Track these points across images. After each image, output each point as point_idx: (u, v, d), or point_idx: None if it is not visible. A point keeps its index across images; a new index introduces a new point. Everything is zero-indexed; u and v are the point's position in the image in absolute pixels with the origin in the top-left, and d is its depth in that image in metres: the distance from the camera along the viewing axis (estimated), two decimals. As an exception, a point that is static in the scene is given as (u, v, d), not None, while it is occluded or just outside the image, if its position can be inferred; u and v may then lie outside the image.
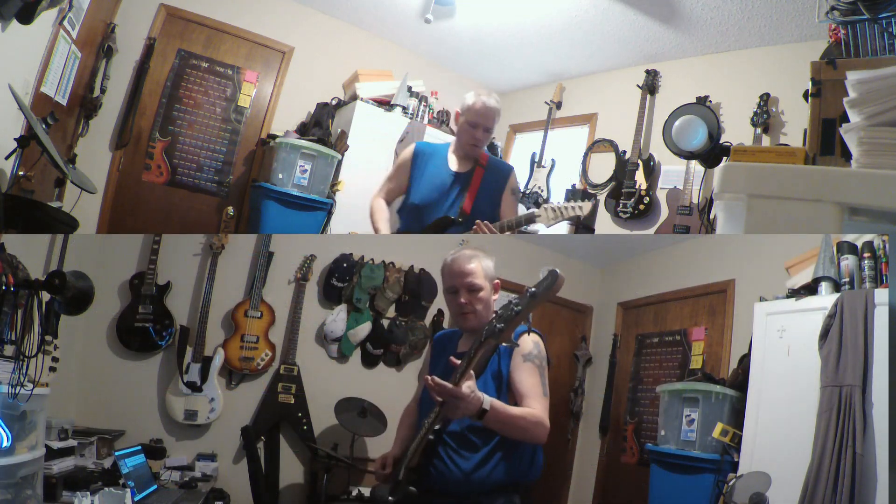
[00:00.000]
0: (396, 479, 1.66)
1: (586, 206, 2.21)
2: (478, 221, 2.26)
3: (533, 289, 1.27)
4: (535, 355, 1.66)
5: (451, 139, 2.60)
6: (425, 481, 1.61)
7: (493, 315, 1.34)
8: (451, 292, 1.75)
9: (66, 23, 2.81)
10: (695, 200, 3.75)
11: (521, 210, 4.50)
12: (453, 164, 2.49)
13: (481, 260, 1.75)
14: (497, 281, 1.79)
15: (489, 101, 2.39)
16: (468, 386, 1.41)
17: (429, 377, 1.41)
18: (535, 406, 1.57)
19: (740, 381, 2.63)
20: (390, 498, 1.62)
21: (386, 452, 1.79)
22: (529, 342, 1.65)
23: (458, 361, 1.40)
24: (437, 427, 1.58)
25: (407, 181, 2.52)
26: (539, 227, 2.43)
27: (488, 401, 1.46)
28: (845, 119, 1.52)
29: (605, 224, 4.31)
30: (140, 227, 4.00)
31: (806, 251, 2.67)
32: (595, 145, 4.60)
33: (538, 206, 4.63)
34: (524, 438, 1.57)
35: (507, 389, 1.63)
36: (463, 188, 2.43)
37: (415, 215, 2.47)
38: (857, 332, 2.01)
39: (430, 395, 1.44)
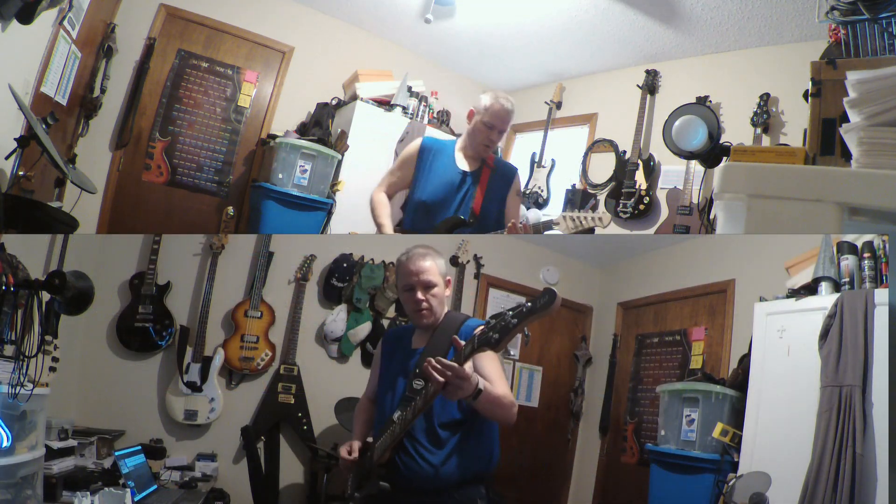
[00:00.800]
0: (364, 474, 1.69)
1: (606, 217, 2.21)
2: (513, 221, 2.27)
3: (529, 304, 1.28)
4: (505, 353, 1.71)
5: (459, 137, 2.59)
6: (393, 477, 1.64)
7: (485, 323, 1.35)
8: (408, 290, 1.77)
9: (66, 23, 2.81)
10: (695, 200, 3.75)
11: (522, 211, 4.50)
12: (461, 162, 2.49)
13: (435, 258, 1.79)
14: (448, 278, 1.84)
15: (506, 103, 2.41)
16: (468, 367, 1.45)
17: (432, 359, 1.42)
18: (503, 389, 1.62)
19: (740, 381, 2.63)
20: (356, 494, 1.66)
21: (349, 441, 1.82)
22: None
23: (463, 343, 1.41)
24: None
25: (412, 176, 2.51)
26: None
27: (481, 381, 1.50)
28: (845, 119, 1.52)
29: (605, 224, 4.30)
30: (140, 227, 4.00)
31: (806, 251, 2.67)
32: (595, 145, 4.60)
33: (538, 206, 4.67)
34: (501, 418, 1.61)
35: None
36: (472, 188, 2.44)
37: (422, 212, 2.46)
38: (857, 332, 2.01)
39: (429, 376, 1.43)
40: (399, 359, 1.82)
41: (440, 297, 1.78)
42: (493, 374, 1.63)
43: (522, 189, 4.73)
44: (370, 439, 1.74)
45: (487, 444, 1.71)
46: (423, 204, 2.45)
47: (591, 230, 2.23)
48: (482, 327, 1.36)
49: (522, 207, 4.58)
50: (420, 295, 1.74)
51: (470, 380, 1.43)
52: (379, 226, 2.50)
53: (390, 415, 1.65)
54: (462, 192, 2.43)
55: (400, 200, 2.62)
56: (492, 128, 2.41)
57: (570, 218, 2.24)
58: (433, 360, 1.41)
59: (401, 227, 2.53)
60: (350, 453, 1.77)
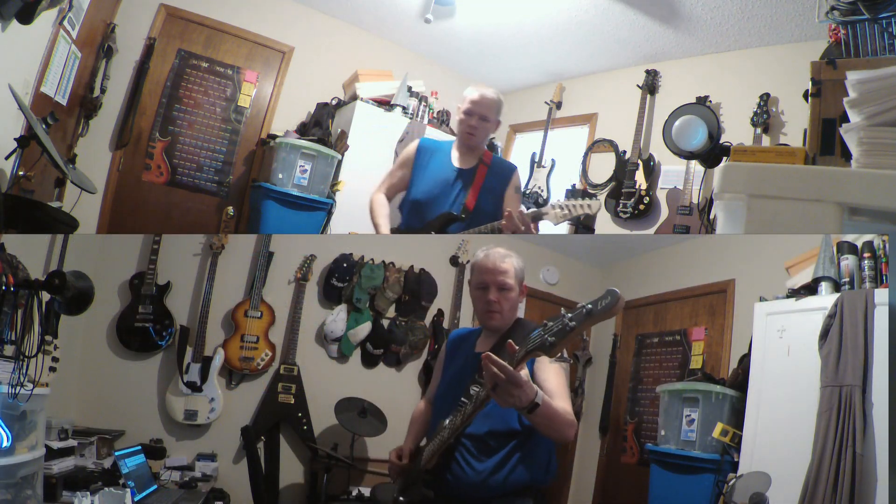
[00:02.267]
0: (410, 479, 1.64)
1: (595, 204, 2.18)
2: (509, 210, 2.20)
3: (590, 306, 1.16)
4: (563, 357, 1.64)
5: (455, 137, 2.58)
6: (439, 484, 1.59)
7: (541, 326, 1.25)
8: (481, 288, 1.72)
9: (66, 23, 2.81)
10: (695, 200, 3.75)
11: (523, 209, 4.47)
12: (456, 160, 2.47)
13: (514, 260, 1.75)
14: (525, 285, 1.77)
15: (486, 91, 2.39)
16: (526, 374, 1.34)
17: (490, 354, 1.30)
18: (564, 406, 1.52)
19: (740, 381, 2.63)
20: (401, 498, 1.60)
21: (400, 445, 1.76)
22: None
23: (517, 347, 1.29)
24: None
25: (409, 176, 2.50)
26: (547, 224, 2.40)
27: (540, 394, 1.38)
28: (845, 119, 1.52)
29: (605, 224, 4.31)
30: (140, 227, 4.00)
31: (806, 251, 2.67)
32: (595, 145, 4.59)
33: (538, 205, 4.66)
34: (557, 437, 1.51)
35: None
36: (466, 184, 2.40)
37: (416, 211, 2.44)
38: (857, 332, 2.01)
39: (488, 376, 1.30)
40: (460, 362, 1.76)
41: (513, 302, 1.72)
42: (555, 389, 1.54)
43: (522, 189, 4.74)
44: (424, 443, 1.68)
45: (544, 456, 1.62)
46: (418, 202, 2.43)
47: (587, 221, 2.20)
48: (538, 330, 1.25)
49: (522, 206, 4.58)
50: (493, 296, 1.69)
51: (523, 388, 1.30)
52: (376, 226, 2.48)
53: (443, 419, 1.58)
54: (456, 190, 2.40)
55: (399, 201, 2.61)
56: (470, 114, 2.39)
57: (559, 206, 2.21)
58: (490, 356, 1.29)
59: (398, 229, 2.52)
60: (400, 458, 1.70)
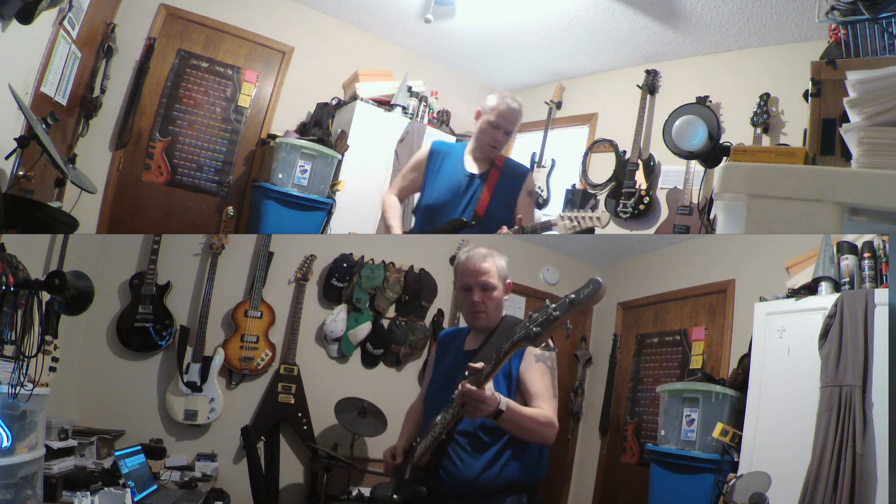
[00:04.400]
0: (403, 476, 1.65)
1: (604, 216, 2.18)
2: (504, 228, 2.25)
3: (573, 295, 1.23)
4: (547, 356, 1.67)
5: (468, 140, 2.56)
6: (433, 481, 1.60)
7: (527, 318, 1.32)
8: (465, 290, 1.74)
9: (66, 23, 2.81)
10: (695, 200, 3.75)
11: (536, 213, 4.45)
12: (469, 164, 2.45)
13: (495, 259, 1.76)
14: (509, 281, 1.79)
15: (513, 103, 2.37)
16: (489, 388, 1.41)
17: (465, 382, 1.41)
18: (545, 407, 1.58)
19: (740, 381, 2.63)
20: (395, 496, 1.61)
21: (394, 444, 1.79)
22: None
23: (480, 366, 1.38)
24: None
25: (422, 180, 2.50)
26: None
27: (504, 401, 1.46)
28: (845, 119, 1.52)
29: (605, 224, 4.30)
30: (140, 227, 4.00)
31: (806, 251, 2.67)
32: (595, 145, 4.59)
33: (539, 206, 4.66)
34: (533, 439, 1.57)
35: (516, 388, 1.63)
36: (478, 190, 2.40)
37: (428, 216, 2.44)
38: (857, 332, 2.01)
39: (454, 396, 1.43)
40: (450, 360, 1.79)
41: (497, 301, 1.74)
42: (539, 390, 1.59)
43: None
44: (417, 441, 1.71)
45: (535, 453, 1.64)
46: (430, 207, 2.43)
47: (590, 230, 2.21)
48: (523, 322, 1.31)
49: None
50: (476, 297, 1.71)
51: (488, 401, 1.40)
52: (388, 227, 2.49)
53: (435, 417, 1.61)
54: (468, 195, 2.40)
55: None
56: (497, 128, 2.37)
57: (567, 218, 2.21)
58: (464, 383, 1.40)
59: (411, 232, 2.53)
60: (394, 457, 1.73)
